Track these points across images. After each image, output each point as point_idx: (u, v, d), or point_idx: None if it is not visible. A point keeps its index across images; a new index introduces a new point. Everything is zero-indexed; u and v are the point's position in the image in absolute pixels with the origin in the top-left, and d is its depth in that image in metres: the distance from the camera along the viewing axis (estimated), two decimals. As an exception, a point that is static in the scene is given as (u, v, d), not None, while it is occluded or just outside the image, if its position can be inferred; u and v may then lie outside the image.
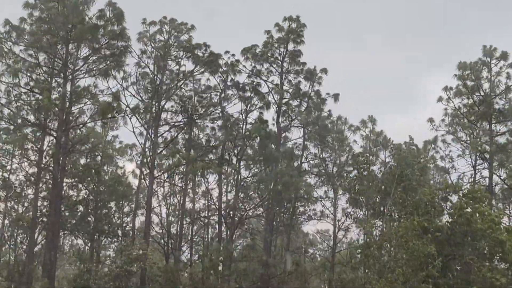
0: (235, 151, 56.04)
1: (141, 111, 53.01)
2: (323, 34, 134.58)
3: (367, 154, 57.25)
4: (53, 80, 49.65)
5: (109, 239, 57.37)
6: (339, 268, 57.00)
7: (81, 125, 50.39)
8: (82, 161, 55.79)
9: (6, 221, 55.30)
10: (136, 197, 55.57)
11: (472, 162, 59.77)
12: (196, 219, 58.58)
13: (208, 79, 55.52)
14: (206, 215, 58.65)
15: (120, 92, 50.82)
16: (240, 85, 55.81)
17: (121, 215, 58.09)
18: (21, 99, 49.04)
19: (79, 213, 55.43)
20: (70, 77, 48.84)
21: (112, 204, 57.23)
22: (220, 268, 53.61)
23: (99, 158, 56.31)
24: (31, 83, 48.62)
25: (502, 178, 58.97)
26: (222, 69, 55.36)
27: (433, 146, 61.96)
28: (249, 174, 56.41)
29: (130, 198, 56.76)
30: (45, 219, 52.26)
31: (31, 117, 49.84)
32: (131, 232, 56.01)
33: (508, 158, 57.63)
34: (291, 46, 55.89)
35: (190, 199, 57.49)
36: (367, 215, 53.79)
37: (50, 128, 50.32)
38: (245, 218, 56.65)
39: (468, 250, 43.09)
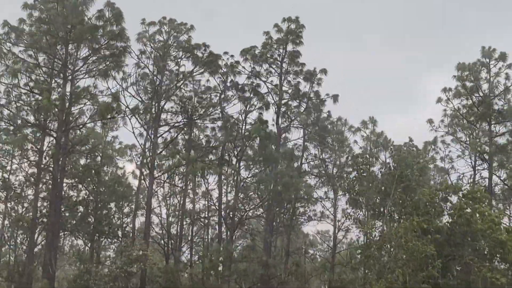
0: (235, 152, 55.68)
1: (141, 111, 52.66)
2: (322, 34, 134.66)
3: (367, 155, 56.91)
4: (53, 81, 49.29)
5: (109, 239, 56.99)
6: (339, 269, 56.72)
7: (81, 126, 50.03)
8: (82, 161, 55.49)
9: (6, 222, 54.97)
10: (136, 197, 55.21)
11: (471, 162, 59.67)
12: (196, 220, 58.22)
13: (208, 80, 55.41)
14: (206, 215, 58.30)
15: (120, 92, 50.56)
16: (239, 86, 55.51)
17: (121, 216, 57.72)
18: (21, 99, 48.66)
19: (79, 214, 55.04)
20: (70, 77, 48.50)
21: (112, 204, 56.86)
22: (220, 268, 53.34)
23: (99, 158, 55.93)
24: (31, 84, 48.22)
25: (502, 178, 58.76)
26: (222, 70, 55.14)
27: (433, 147, 61.72)
28: (249, 174, 56.22)
29: (130, 198, 56.41)
30: (45, 220, 51.86)
31: (31, 118, 49.48)
32: (131, 233, 55.66)
33: (508, 159, 57.37)
34: (290, 47, 55.66)
35: (190, 199, 57.20)
36: (367, 216, 53.43)
37: (50, 129, 49.95)
38: (245, 218, 56.30)
39: (468, 251, 42.89)
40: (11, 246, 55.76)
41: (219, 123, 55.33)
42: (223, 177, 55.32)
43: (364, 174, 54.06)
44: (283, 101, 55.72)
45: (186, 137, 56.15)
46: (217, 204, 55.70)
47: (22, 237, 55.66)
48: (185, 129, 55.55)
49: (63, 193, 51.76)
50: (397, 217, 48.95)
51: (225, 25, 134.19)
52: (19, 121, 48.76)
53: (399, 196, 47.26)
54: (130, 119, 52.40)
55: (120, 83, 51.39)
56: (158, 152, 53.56)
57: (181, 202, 57.24)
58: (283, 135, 56.52)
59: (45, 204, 53.37)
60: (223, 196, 55.29)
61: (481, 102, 59.20)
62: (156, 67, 53.41)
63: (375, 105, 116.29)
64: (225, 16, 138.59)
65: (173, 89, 53.78)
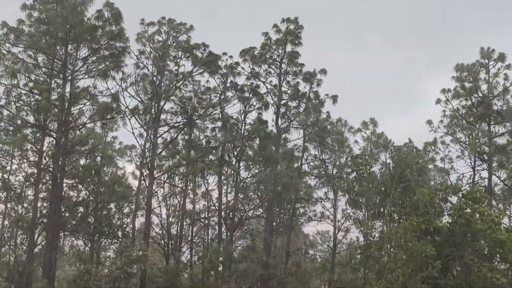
0: (235, 152, 55.29)
1: (141, 112, 52.26)
2: (322, 34, 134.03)
3: (366, 156, 56.61)
4: (53, 81, 48.89)
5: (109, 240, 56.57)
6: (340, 269, 56.44)
7: (80, 126, 49.64)
8: (82, 162, 55.08)
9: (6, 222, 54.53)
10: (136, 198, 54.82)
11: (471, 163, 59.35)
12: (196, 220, 57.85)
13: (207, 81, 55.03)
14: (206, 216, 57.92)
15: (119, 93, 50.10)
16: (239, 87, 55.10)
17: (121, 216, 57.31)
18: (21, 100, 48.31)
19: (79, 214, 54.64)
20: (70, 77, 48.12)
21: (112, 205, 56.44)
22: (220, 269, 52.98)
23: (99, 159, 55.53)
24: (31, 84, 47.86)
25: (501, 179, 58.41)
26: (221, 71, 54.77)
27: (433, 147, 61.40)
28: (248, 175, 55.84)
29: (130, 199, 56.02)
30: (45, 220, 51.48)
31: (31, 118, 49.08)
32: (131, 233, 55.25)
33: (508, 159, 57.05)
34: (289, 48, 55.33)
35: (190, 200, 56.84)
36: (367, 216, 53.09)
37: (49, 129, 49.55)
38: (245, 219, 55.91)
39: (468, 251, 42.52)
40: (11, 247, 55.33)
41: (219, 123, 55.03)
42: (223, 177, 54.96)
43: (364, 175, 53.76)
44: (282, 102, 55.38)
45: (186, 137, 55.81)
46: (217, 204, 55.37)
47: (22, 238, 55.26)
48: (185, 129, 55.16)
49: (63, 193, 51.33)
50: (397, 218, 48.58)
51: (225, 25, 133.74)
52: (19, 122, 48.38)
53: (398, 197, 46.90)
54: (129, 119, 52.11)
55: (119, 84, 51.09)
56: (158, 152, 53.15)
57: (181, 203, 56.88)
58: (283, 136, 56.25)
59: (45, 204, 53.01)
60: (223, 197, 54.99)
61: (480, 102, 58.93)
62: (155, 67, 53.01)
63: (375, 105, 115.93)
64: (225, 16, 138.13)
65: (172, 89, 53.37)
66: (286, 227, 58.60)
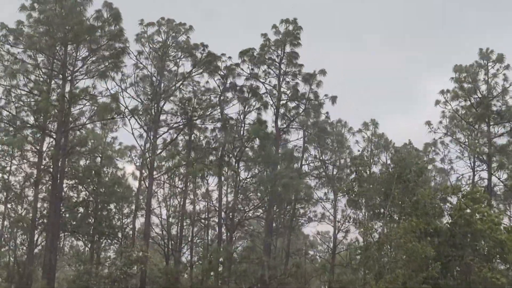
0: (234, 153, 54.87)
1: (140, 112, 51.88)
2: (322, 34, 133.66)
3: (365, 157, 56.28)
4: (53, 82, 48.52)
5: (109, 240, 56.16)
6: (340, 270, 56.12)
7: (80, 127, 49.27)
8: (82, 162, 54.66)
9: (6, 223, 54.11)
10: (136, 198, 54.42)
11: (470, 163, 59.00)
12: (196, 221, 57.48)
13: (207, 82, 54.58)
14: (206, 216, 57.55)
15: (119, 93, 49.70)
16: (238, 87, 54.67)
17: (121, 217, 56.91)
18: (21, 100, 47.97)
19: (79, 215, 54.21)
20: (70, 78, 47.76)
21: (112, 205, 56.02)
22: (220, 269, 52.62)
23: (98, 159, 55.15)
24: (30, 85, 47.53)
25: (501, 179, 58.03)
26: (221, 72, 54.40)
27: (433, 148, 61.07)
28: (248, 175, 55.39)
29: (130, 199, 55.60)
30: (45, 221, 51.07)
31: (31, 119, 48.78)
32: (131, 234, 54.87)
33: (508, 159, 56.71)
34: (288, 48, 54.85)
35: (191, 200, 56.48)
36: (366, 217, 52.77)
37: (49, 130, 49.19)
38: (245, 219, 55.52)
39: (468, 251, 42.18)
40: (11, 247, 54.95)
41: (219, 124, 54.60)
42: (223, 178, 54.57)
43: (363, 176, 53.44)
44: (282, 102, 54.93)
45: (186, 138, 55.44)
46: (217, 205, 54.98)
47: (22, 238, 54.84)
48: (185, 130, 54.78)
49: (63, 194, 50.89)
50: (397, 218, 48.25)
51: (225, 25, 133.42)
52: (18, 123, 48.05)
53: (398, 197, 46.56)
54: (129, 120, 51.69)
55: (119, 84, 50.71)
56: (158, 153, 52.74)
57: (181, 203, 56.49)
58: (283, 136, 55.87)
59: (45, 205, 52.55)
60: (223, 197, 54.56)
61: (479, 103, 58.62)
62: (155, 67, 52.56)
63: (375, 105, 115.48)
64: (225, 16, 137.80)
65: (172, 90, 52.96)
66: (286, 227, 58.27)
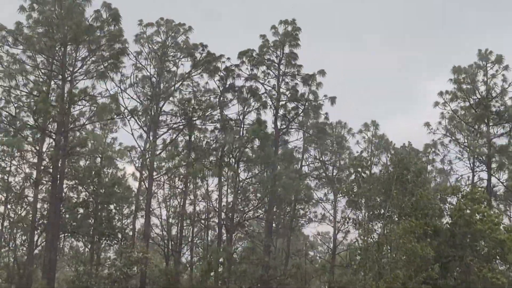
0: (234, 154, 54.46)
1: (140, 113, 51.50)
2: (322, 34, 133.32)
3: (364, 157, 55.91)
4: (52, 82, 48.13)
5: (109, 241, 55.68)
6: (340, 270, 55.77)
7: (80, 127, 48.86)
8: (82, 163, 54.22)
9: (6, 223, 53.66)
10: (136, 199, 54.02)
11: (470, 164, 58.63)
12: (196, 221, 57.11)
13: (207, 83, 54.14)
14: (206, 217, 57.17)
15: (118, 94, 49.26)
16: (237, 88, 54.22)
17: (121, 217, 56.48)
18: (21, 101, 47.57)
19: (79, 215, 53.79)
20: (69, 78, 47.38)
21: (112, 206, 55.59)
22: (220, 270, 52.25)
23: (98, 160, 54.74)
24: (30, 85, 47.15)
25: (501, 180, 57.65)
26: (221, 73, 54.03)
27: (433, 149, 60.72)
28: (247, 176, 54.94)
29: (130, 200, 55.21)
30: (45, 221, 50.63)
31: (31, 119, 48.28)
32: (131, 234, 54.51)
33: (509, 160, 56.36)
34: (287, 49, 54.51)
35: (191, 201, 56.12)
36: (366, 217, 52.40)
37: (49, 130, 48.81)
38: (245, 220, 55.11)
39: (468, 251, 41.85)
40: (11, 248, 54.54)
41: (218, 124, 54.19)
42: (223, 179, 54.19)
43: (364, 175, 53.12)
44: (281, 103, 54.53)
45: (187, 138, 55.08)
46: (217, 205, 54.61)
47: (22, 239, 54.38)
48: (184, 130, 54.41)
49: (63, 194, 50.41)
50: (397, 219, 47.92)
51: (225, 25, 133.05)
52: (18, 123, 47.65)
53: (397, 198, 46.22)
54: (129, 120, 51.26)
55: (118, 85, 50.29)
56: (157, 153, 52.35)
57: (181, 204, 56.10)
58: (283, 137, 55.50)
59: (45, 205, 52.08)
60: (223, 198, 54.12)
61: (478, 104, 58.28)
62: (154, 68, 52.21)
63: (375, 105, 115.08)
64: (225, 16, 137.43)
65: (171, 90, 52.58)
66: (286, 228, 57.94)
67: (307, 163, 59.93)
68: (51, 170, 48.48)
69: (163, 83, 52.33)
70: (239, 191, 53.69)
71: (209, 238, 58.05)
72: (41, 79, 47.91)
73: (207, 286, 51.18)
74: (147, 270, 49.65)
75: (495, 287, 39.82)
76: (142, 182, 52.74)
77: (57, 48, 47.07)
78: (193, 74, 52.92)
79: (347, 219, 56.31)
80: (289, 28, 54.42)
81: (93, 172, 53.38)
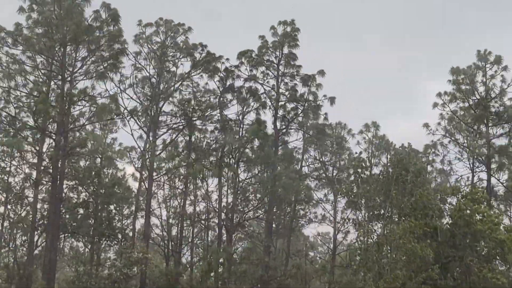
0: (233, 154, 54.07)
1: (139, 113, 51.10)
2: (322, 34, 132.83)
3: (363, 158, 55.59)
4: (52, 82, 47.73)
5: (109, 241, 55.32)
6: (340, 271, 55.46)
7: (80, 128, 48.46)
8: (82, 163, 53.82)
9: (6, 223, 53.29)
10: (136, 199, 53.62)
11: (470, 165, 58.28)
12: (196, 222, 56.75)
13: (206, 83, 53.70)
14: (206, 217, 56.80)
15: (118, 94, 48.78)
16: (236, 89, 53.77)
17: (121, 218, 56.08)
18: (20, 101, 47.16)
19: (79, 216, 53.41)
20: (69, 79, 46.97)
21: (112, 207, 55.20)
22: (220, 270, 51.89)
23: (98, 160, 54.35)
24: (30, 86, 46.76)
25: (501, 180, 57.22)
26: (220, 74, 53.65)
27: (432, 150, 60.39)
28: (247, 176, 54.49)
29: (130, 201, 54.81)
30: (45, 222, 50.21)
31: (31, 120, 47.84)
32: (131, 235, 54.12)
33: (509, 160, 56.00)
34: (286, 50, 54.12)
35: (191, 201, 55.77)
36: (366, 218, 52.06)
37: (49, 131, 48.41)
38: (244, 220, 54.73)
39: (468, 252, 41.45)
40: (11, 248, 54.15)
41: (218, 125, 53.79)
42: (223, 179, 53.82)
43: (363, 176, 52.79)
44: (280, 104, 54.10)
45: (187, 139, 54.69)
46: (217, 206, 54.23)
47: (22, 239, 54.00)
48: (184, 131, 54.02)
49: (63, 195, 49.95)
50: (397, 219, 47.58)
51: (225, 25, 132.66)
52: (18, 123, 47.27)
53: (396, 198, 45.88)
54: (128, 121, 50.76)
55: (118, 85, 49.81)
56: (157, 154, 51.94)
57: (181, 204, 55.73)
58: (282, 138, 55.14)
59: (45, 206, 51.62)
60: (223, 198, 53.70)
61: (477, 104, 57.93)
62: (154, 68, 51.75)
63: (375, 105, 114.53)
64: (225, 16, 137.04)
65: (171, 91, 52.15)
66: (286, 228, 57.60)
67: (307, 163, 59.67)
68: (51, 171, 48.01)
69: (162, 83, 51.90)
70: (239, 192, 53.26)
71: (209, 239, 57.70)
72: (40, 80, 47.44)
73: (207, 287, 50.85)
74: (147, 270, 49.38)
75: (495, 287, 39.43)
76: (142, 183, 52.34)
77: (56, 49, 46.57)
78: (192, 74, 52.49)
79: (347, 220, 56.11)
80: (288, 29, 54.06)
81: (93, 173, 52.96)
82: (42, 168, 48.93)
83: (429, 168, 57.25)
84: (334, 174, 59.31)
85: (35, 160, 49.62)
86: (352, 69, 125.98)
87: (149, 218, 51.88)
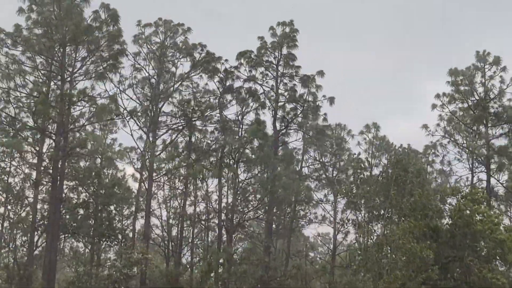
0: (233, 155, 53.68)
1: (139, 113, 50.73)
2: (322, 34, 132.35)
3: (361, 159, 55.30)
4: (52, 83, 47.34)
5: (109, 242, 54.94)
6: (341, 271, 55.16)
7: (80, 128, 48.07)
8: (82, 164, 53.44)
9: (6, 224, 52.90)
10: (136, 200, 53.23)
11: (469, 165, 57.95)
12: (196, 222, 56.38)
13: (206, 84, 53.27)
14: (206, 218, 56.44)
15: (117, 95, 48.39)
16: (235, 89, 53.36)
17: (121, 218, 55.68)
18: (20, 101, 46.76)
19: (80, 216, 53.02)
20: (69, 79, 46.58)
21: (112, 207, 54.81)
22: (220, 270, 51.54)
23: (98, 160, 53.98)
24: (29, 86, 46.40)
25: (501, 181, 56.88)
26: (220, 75, 53.27)
27: (432, 151, 60.07)
28: (246, 176, 54.06)
29: (130, 201, 54.42)
30: (45, 222, 49.78)
31: (30, 120, 47.44)
32: (131, 235, 53.73)
33: (509, 160, 55.67)
34: (285, 51, 53.72)
35: (191, 202, 55.41)
36: (366, 219, 51.74)
37: (49, 131, 48.03)
38: (244, 221, 54.35)
39: (468, 252, 41.09)
40: (11, 248, 53.76)
41: (218, 125, 53.42)
42: (223, 179, 53.47)
43: (362, 177, 52.47)
44: (280, 104, 53.67)
45: (187, 139, 54.30)
46: (217, 206, 53.84)
47: (22, 239, 53.57)
48: (184, 131, 53.64)
49: (63, 195, 49.51)
50: (396, 220, 47.25)
51: (225, 25, 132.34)
52: (18, 124, 46.89)
53: (395, 198, 45.55)
54: (128, 121, 50.38)
55: (117, 86, 49.40)
56: (157, 154, 51.56)
57: (181, 205, 55.36)
58: (282, 138, 54.77)
59: (45, 206, 51.14)
60: (223, 199, 53.28)
61: (476, 105, 57.58)
62: (153, 69, 51.37)
63: (375, 105, 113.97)
64: (225, 16, 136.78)
65: (170, 91, 51.76)
66: (286, 229, 57.24)
67: (307, 164, 59.33)
68: (51, 171, 47.58)
69: (162, 83, 51.55)
70: (238, 192, 52.87)
71: (209, 239, 57.33)
72: (40, 80, 47.05)
73: (207, 287, 50.50)
74: (147, 271, 49.08)
75: (496, 288, 39.05)
76: (142, 183, 51.99)
77: (56, 49, 46.16)
78: (192, 74, 52.08)
79: (347, 220, 55.82)
80: (287, 30, 53.69)
81: (93, 173, 52.43)
82: (42, 168, 48.49)
83: (429, 169, 57.00)
84: (334, 174, 58.92)
85: (35, 161, 49.16)
86: (352, 69, 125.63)
87: (149, 218, 51.59)
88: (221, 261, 50.76)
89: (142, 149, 51.21)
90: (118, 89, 49.46)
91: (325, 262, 60.40)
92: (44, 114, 45.18)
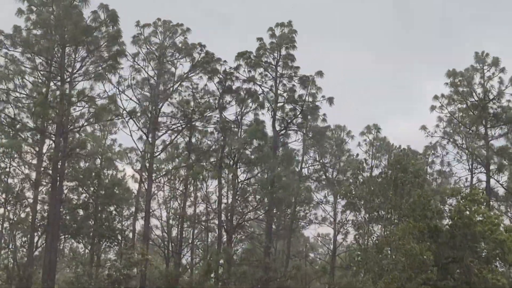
0: (233, 155, 53.33)
1: (138, 114, 50.36)
2: (322, 34, 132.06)
3: (361, 160, 55.01)
4: (52, 83, 46.92)
5: (109, 243, 54.59)
6: (340, 272, 54.89)
7: (79, 129, 47.66)
8: (82, 164, 53.09)
9: (6, 224, 52.52)
10: (136, 201, 52.88)
11: (469, 166, 57.65)
12: (196, 223, 56.05)
13: (206, 85, 52.85)
14: (206, 218, 56.12)
15: (117, 95, 48.01)
16: (234, 90, 52.99)
17: (121, 219, 55.33)
18: (20, 102, 46.32)
19: (79, 217, 52.68)
20: (68, 80, 46.17)
21: (112, 208, 54.48)
22: (220, 271, 51.21)
23: (98, 161, 53.64)
24: (29, 87, 46.00)
25: (501, 182, 56.56)
26: (220, 75, 52.91)
27: (432, 151, 59.75)
28: (246, 177, 53.73)
29: (130, 202, 54.08)
30: (45, 223, 49.38)
31: (30, 121, 47.09)
32: (131, 236, 53.40)
33: (509, 161, 55.35)
34: (284, 51, 53.27)
35: (191, 203, 55.07)
36: (365, 219, 51.43)
37: (49, 132, 47.63)
38: (244, 221, 53.99)
39: (468, 253, 40.74)
40: (11, 249, 53.37)
41: (218, 126, 53.06)
42: (222, 180, 53.12)
43: (361, 178, 52.18)
44: (279, 105, 53.31)
45: (187, 140, 53.96)
46: (216, 207, 53.49)
47: (22, 240, 53.13)
48: (184, 132, 53.26)
49: (63, 196, 49.10)
50: (396, 220, 46.93)
51: (225, 26, 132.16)
52: (17, 124, 46.48)
53: (395, 199, 45.21)
54: (127, 122, 49.99)
55: (116, 86, 49.04)
56: (156, 155, 51.20)
57: (181, 205, 55.04)
58: (281, 139, 54.43)
59: (45, 207, 50.67)
60: (222, 199, 52.91)
61: (475, 106, 57.28)
62: (152, 69, 51.01)
63: (375, 105, 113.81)
64: (225, 16, 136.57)
65: (170, 91, 51.44)
66: (286, 230, 56.96)
67: (307, 165, 59.10)
68: (51, 172, 47.03)
69: (161, 84, 51.19)
70: (238, 193, 52.53)
71: (209, 240, 57.14)
72: (40, 81, 46.63)
73: (206, 288, 50.24)
74: (147, 271, 48.76)
75: (496, 288, 38.69)
76: (142, 184, 51.65)
77: (55, 50, 45.73)
78: (191, 75, 51.70)
79: (346, 221, 55.58)
80: (286, 30, 53.33)
81: (93, 174, 52.09)
82: (42, 169, 47.97)
83: (429, 170, 56.70)
84: (334, 175, 58.65)
85: (35, 161, 48.67)
86: (352, 69, 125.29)
87: (149, 219, 51.16)
88: (221, 261, 50.47)
89: (142, 150, 50.81)
90: (117, 90, 49.13)
91: (325, 263, 60.31)
92: (43, 114, 44.71)
